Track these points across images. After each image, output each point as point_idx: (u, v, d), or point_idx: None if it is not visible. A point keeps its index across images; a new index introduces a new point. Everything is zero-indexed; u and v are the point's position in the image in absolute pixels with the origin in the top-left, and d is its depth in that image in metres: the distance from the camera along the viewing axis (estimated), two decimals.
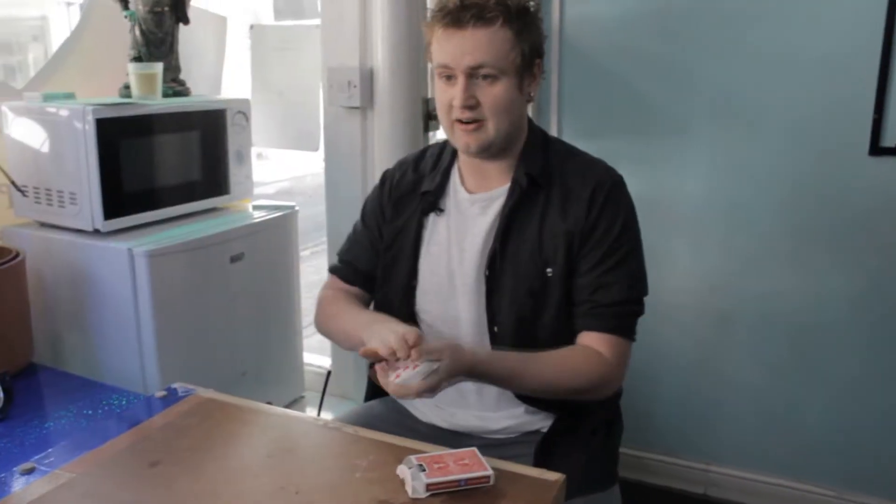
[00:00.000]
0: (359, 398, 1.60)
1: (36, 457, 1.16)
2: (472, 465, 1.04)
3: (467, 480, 1.01)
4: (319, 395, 1.71)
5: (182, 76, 2.11)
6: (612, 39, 2.15)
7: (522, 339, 1.30)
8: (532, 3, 1.28)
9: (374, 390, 1.51)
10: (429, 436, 1.38)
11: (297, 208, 2.12)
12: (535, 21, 1.27)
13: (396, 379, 1.12)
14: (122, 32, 2.03)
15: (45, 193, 1.78)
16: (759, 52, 1.99)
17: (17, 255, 1.65)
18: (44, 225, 1.84)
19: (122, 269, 1.65)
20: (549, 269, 1.30)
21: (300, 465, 1.12)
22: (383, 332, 1.15)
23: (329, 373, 1.81)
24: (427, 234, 1.39)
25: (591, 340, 1.28)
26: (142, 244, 1.67)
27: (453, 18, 1.21)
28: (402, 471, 1.03)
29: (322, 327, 1.45)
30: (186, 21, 2.05)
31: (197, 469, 1.09)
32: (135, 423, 1.22)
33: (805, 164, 2.00)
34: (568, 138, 2.30)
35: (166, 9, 1.98)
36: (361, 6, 2.05)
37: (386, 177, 1.48)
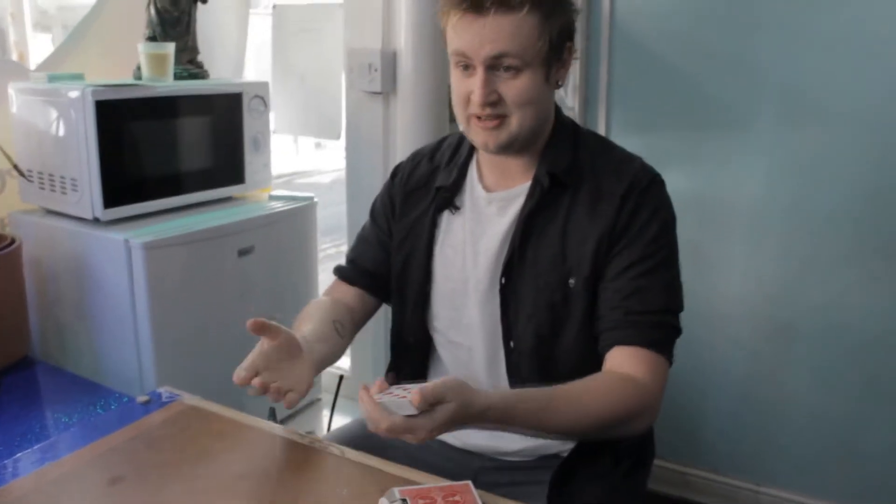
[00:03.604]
0: None
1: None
2: (462, 503, 0.89)
3: None
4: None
5: (202, 58, 2.02)
6: (667, 27, 2.03)
7: (541, 362, 1.16)
8: None
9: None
10: (437, 453, 1.27)
11: (316, 200, 2.01)
12: (565, 4, 1.12)
13: (379, 396, 0.94)
14: (141, 11, 1.95)
15: (49, 179, 1.71)
16: (834, 41, 1.82)
17: (13, 242, 1.57)
18: (49, 212, 1.76)
19: (118, 261, 1.56)
20: (571, 280, 1.14)
21: (271, 490, 1.00)
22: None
23: (341, 377, 1.69)
24: (441, 234, 1.26)
25: (624, 359, 1.09)
26: (140, 235, 1.57)
27: (472, 3, 1.05)
28: None
29: None
30: (204, 0, 1.95)
31: (160, 489, 0.99)
32: (108, 432, 1.13)
33: (878, 166, 1.83)
34: (617, 133, 2.20)
35: None
36: None
37: (398, 170, 1.36)
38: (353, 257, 1.37)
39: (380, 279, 1.34)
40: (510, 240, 1.18)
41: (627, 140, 2.14)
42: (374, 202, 1.38)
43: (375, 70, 1.97)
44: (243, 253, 1.76)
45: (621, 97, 2.16)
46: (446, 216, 1.26)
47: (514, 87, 1.09)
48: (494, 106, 1.10)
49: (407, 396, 0.89)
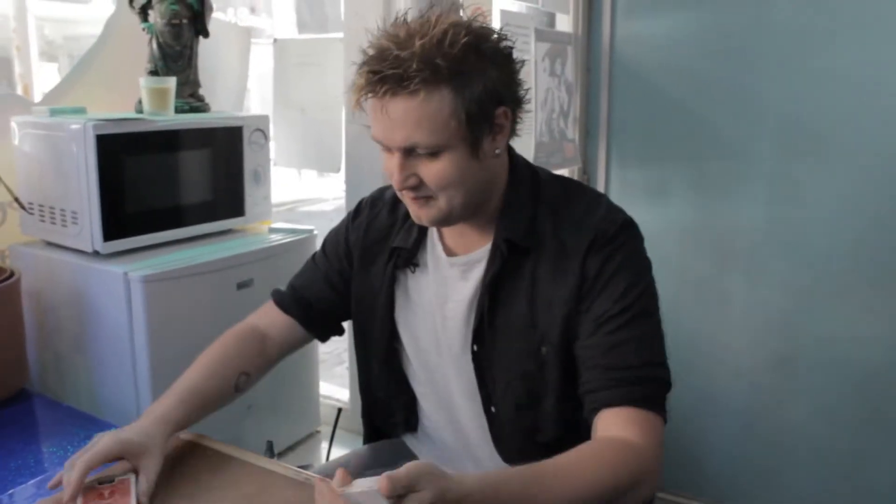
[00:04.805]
0: None
1: None
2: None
3: None
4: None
5: (203, 91, 2.03)
6: (667, 58, 2.05)
7: (525, 429, 1.11)
8: (487, 39, 1.02)
9: (372, 431, 1.38)
10: None
11: (316, 232, 2.01)
12: (484, 65, 1.00)
13: (342, 490, 0.84)
14: (143, 45, 1.97)
15: (49, 211, 1.71)
16: (829, 73, 1.84)
17: (12, 274, 1.57)
18: (50, 244, 1.76)
19: (117, 294, 1.56)
20: (543, 348, 1.08)
21: None
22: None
23: (340, 410, 1.68)
24: (401, 291, 1.22)
25: (613, 423, 1.00)
26: (139, 268, 1.57)
27: (370, 88, 0.99)
28: None
29: None
30: (206, 34, 1.97)
31: None
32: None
33: (876, 197, 1.84)
34: (617, 164, 2.22)
35: (184, 21, 1.90)
36: (385, 18, 1.94)
37: (359, 212, 1.29)
38: (295, 285, 1.31)
39: (317, 315, 1.30)
40: (477, 306, 1.12)
41: (628, 171, 2.16)
42: (330, 235, 1.33)
43: None
44: (242, 286, 1.76)
45: (621, 128, 2.16)
46: (407, 273, 1.21)
47: (432, 171, 1.02)
48: (416, 189, 1.04)
49: (374, 486, 0.80)
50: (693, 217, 2.07)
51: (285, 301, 1.30)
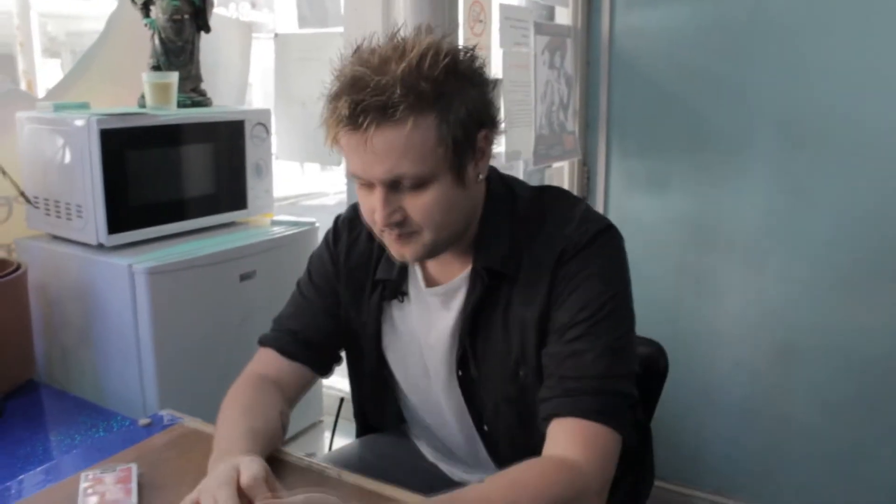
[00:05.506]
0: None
1: (0, 486, 1.08)
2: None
3: None
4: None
5: (205, 86, 2.05)
6: (666, 52, 2.05)
7: (521, 447, 1.04)
8: (460, 59, 0.96)
9: (365, 426, 1.38)
10: (436, 477, 1.27)
11: (317, 224, 2.03)
12: (464, 87, 0.94)
13: None
14: (145, 41, 1.98)
15: (55, 205, 1.73)
16: (828, 65, 1.85)
17: (19, 267, 1.60)
18: (55, 238, 1.79)
19: (122, 286, 1.59)
20: (521, 371, 1.05)
21: None
22: (205, 493, 0.87)
23: (342, 400, 1.69)
24: (387, 323, 1.17)
25: (559, 435, 0.95)
26: (143, 260, 1.60)
27: (349, 120, 0.90)
28: None
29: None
30: (208, 29, 1.99)
31: None
32: (110, 454, 1.13)
33: (874, 189, 1.85)
34: (617, 157, 2.23)
35: (186, 17, 1.92)
36: (385, 12, 1.95)
37: (338, 236, 1.20)
38: (295, 329, 1.18)
39: (325, 351, 1.21)
40: (458, 335, 1.09)
41: (628, 163, 2.18)
42: (314, 265, 1.22)
43: None
44: (245, 277, 1.78)
45: (621, 121, 2.17)
46: (392, 303, 1.16)
47: (419, 205, 0.95)
48: (401, 225, 0.97)
49: None
50: (693, 208, 2.08)
51: (290, 349, 1.18)
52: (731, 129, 2.00)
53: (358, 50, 0.95)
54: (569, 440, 0.93)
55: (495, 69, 1.82)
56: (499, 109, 1.04)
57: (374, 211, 0.97)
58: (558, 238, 1.02)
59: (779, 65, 1.91)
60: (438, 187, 0.95)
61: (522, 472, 0.92)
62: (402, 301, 1.14)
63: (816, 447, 2.02)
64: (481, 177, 1.02)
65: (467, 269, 1.07)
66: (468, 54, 0.98)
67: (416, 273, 1.13)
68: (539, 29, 1.97)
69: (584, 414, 0.94)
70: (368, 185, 0.97)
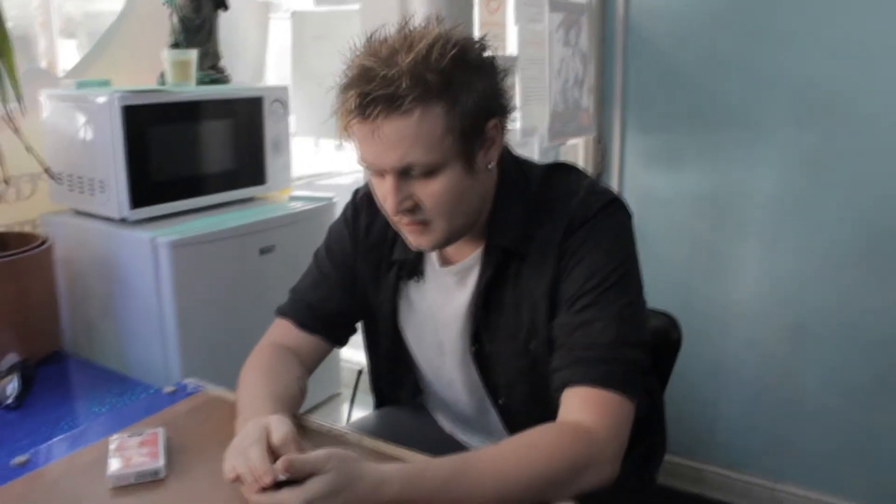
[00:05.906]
0: None
1: (31, 450, 1.12)
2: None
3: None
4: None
5: (224, 63, 2.07)
6: (681, 29, 2.05)
7: (539, 419, 1.01)
8: (469, 49, 0.97)
9: (382, 398, 1.41)
10: (455, 446, 1.29)
11: (335, 200, 2.05)
12: (472, 77, 0.96)
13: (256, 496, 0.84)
14: (164, 19, 2.01)
15: (78, 181, 1.77)
16: (843, 42, 1.84)
17: (45, 241, 1.64)
18: (79, 213, 1.83)
19: (145, 259, 1.62)
20: (532, 344, 1.07)
21: None
22: (235, 452, 0.89)
23: (360, 372, 1.72)
24: (404, 301, 1.20)
25: (573, 403, 0.97)
26: (166, 234, 1.63)
27: (359, 110, 0.92)
28: None
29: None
30: (226, 7, 2.01)
31: (185, 473, 1.02)
32: (135, 420, 1.17)
33: (889, 166, 1.84)
34: (632, 134, 2.23)
35: None
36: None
37: (357, 212, 1.22)
38: (312, 302, 1.21)
39: (341, 324, 1.24)
40: (473, 311, 1.12)
41: (643, 139, 2.18)
42: (332, 240, 1.25)
43: None
44: (264, 251, 1.81)
45: (636, 98, 2.17)
46: (409, 282, 1.19)
47: (430, 192, 0.98)
48: (413, 212, 1.00)
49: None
50: (707, 185, 2.09)
51: (308, 321, 1.21)
52: (745, 105, 1.99)
53: (370, 40, 0.97)
54: (581, 407, 0.95)
55: (511, 46, 1.83)
56: (512, 97, 1.06)
57: (386, 198, 1.00)
58: (565, 212, 1.05)
59: (793, 41, 1.90)
60: (448, 175, 0.97)
61: (537, 436, 0.93)
62: (419, 281, 1.17)
63: (829, 425, 2.03)
64: (491, 164, 1.04)
65: (481, 248, 1.10)
66: (478, 44, 0.99)
67: (432, 253, 1.15)
68: (554, 6, 1.97)
69: (595, 382, 0.96)
70: (380, 173, 0.99)
